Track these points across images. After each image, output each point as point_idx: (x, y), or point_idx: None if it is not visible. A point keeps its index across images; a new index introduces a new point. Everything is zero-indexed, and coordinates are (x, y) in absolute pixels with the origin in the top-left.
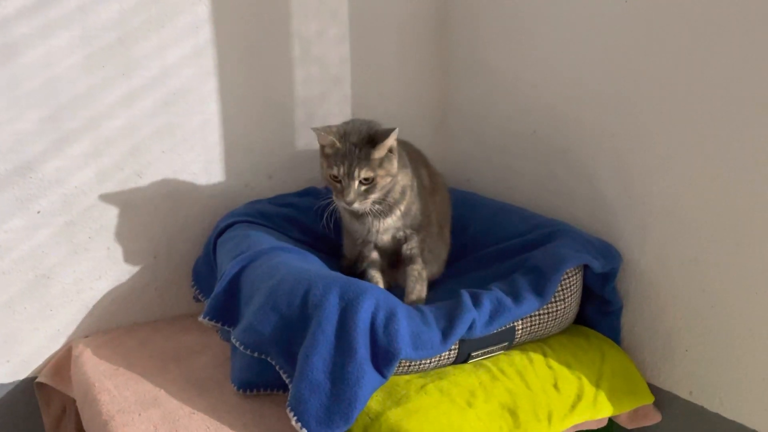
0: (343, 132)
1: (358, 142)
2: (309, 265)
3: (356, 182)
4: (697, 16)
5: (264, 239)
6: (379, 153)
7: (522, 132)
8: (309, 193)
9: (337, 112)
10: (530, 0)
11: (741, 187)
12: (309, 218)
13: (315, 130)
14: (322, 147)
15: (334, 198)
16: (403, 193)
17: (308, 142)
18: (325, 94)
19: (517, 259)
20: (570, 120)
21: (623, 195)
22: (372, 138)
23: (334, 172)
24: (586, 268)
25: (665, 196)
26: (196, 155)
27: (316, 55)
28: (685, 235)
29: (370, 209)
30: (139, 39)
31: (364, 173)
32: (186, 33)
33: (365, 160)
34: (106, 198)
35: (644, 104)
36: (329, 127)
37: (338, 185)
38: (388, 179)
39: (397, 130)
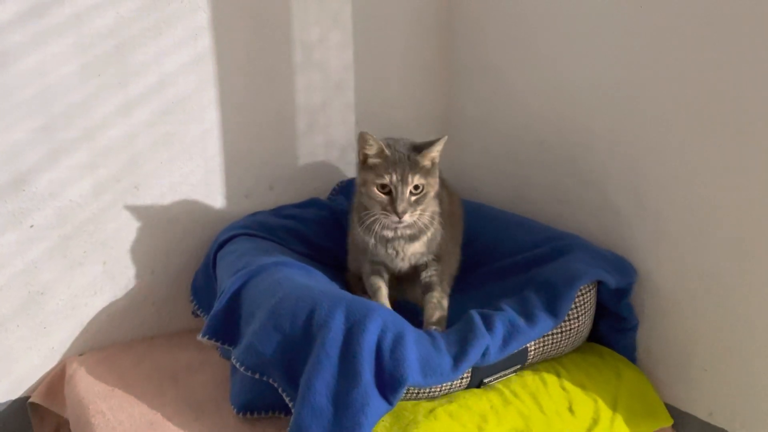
0: (386, 143)
1: (406, 150)
2: (313, 281)
3: (408, 189)
4: (716, 18)
5: (265, 253)
6: (426, 160)
7: (530, 140)
8: (312, 204)
9: (340, 119)
10: (537, 4)
11: (763, 197)
12: (312, 230)
13: (365, 134)
14: (365, 158)
15: (378, 214)
16: (432, 219)
17: (310, 151)
18: (328, 101)
19: (527, 274)
20: (580, 128)
21: (636, 205)
22: (418, 147)
23: (386, 180)
24: (599, 283)
25: (681, 206)
26: (196, 166)
27: (318, 62)
28: (704, 247)
29: (401, 233)
30: (137, 47)
31: (417, 179)
32: (185, 40)
33: (417, 166)
34: (102, 211)
35: (659, 111)
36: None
37: (386, 197)
38: (433, 192)
39: (446, 138)
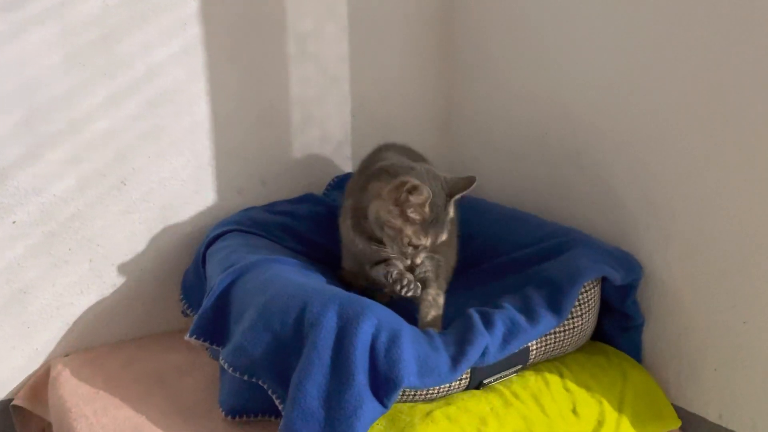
0: (429, 195)
1: (442, 202)
2: (305, 278)
3: (431, 245)
4: (732, 8)
5: (257, 250)
6: (452, 209)
7: (533, 134)
8: (306, 199)
9: (335, 113)
10: None
11: None
12: (306, 226)
13: (422, 187)
14: (403, 204)
15: (389, 251)
16: None
17: (305, 145)
18: (323, 94)
19: (529, 270)
20: (584, 121)
21: (643, 201)
22: (452, 191)
23: (422, 243)
24: (604, 280)
25: (690, 201)
26: (185, 160)
27: (313, 53)
28: (714, 244)
29: None
30: (123, 36)
31: (443, 237)
32: (173, 30)
33: (445, 223)
34: (88, 207)
35: (667, 103)
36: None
37: (411, 250)
38: None
39: (476, 182)
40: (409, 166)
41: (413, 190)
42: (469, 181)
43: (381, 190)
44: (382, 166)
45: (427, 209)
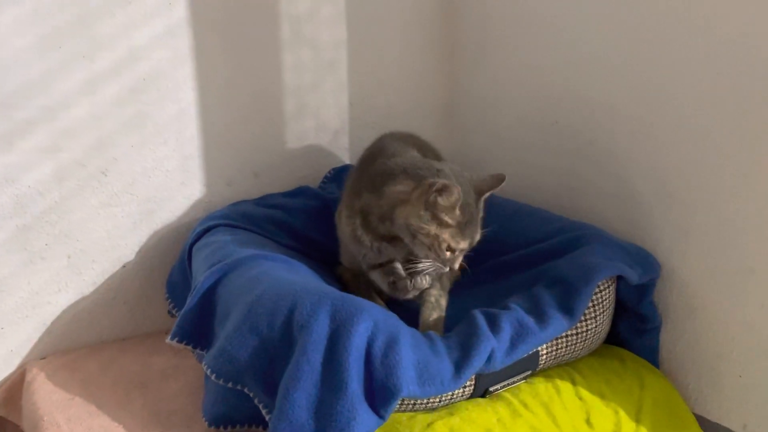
0: (460, 194)
1: (473, 201)
2: (296, 276)
3: (469, 248)
4: None
5: (245, 246)
6: (482, 209)
7: (542, 122)
8: (301, 192)
9: (332, 102)
10: None
11: None
12: (300, 221)
13: (452, 187)
14: (434, 207)
15: (422, 260)
16: None
17: (300, 135)
18: (318, 81)
19: (538, 268)
20: (598, 108)
21: (661, 193)
22: (481, 190)
23: (462, 246)
24: (619, 279)
25: (712, 194)
26: (171, 150)
27: (308, 37)
28: (738, 239)
29: None
30: (103, 16)
31: (479, 236)
32: (157, 9)
33: (478, 223)
34: (66, 199)
35: (688, 87)
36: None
37: (449, 254)
38: None
39: (505, 180)
40: (433, 166)
41: (442, 190)
42: (498, 179)
43: (406, 195)
44: (400, 166)
45: (458, 211)
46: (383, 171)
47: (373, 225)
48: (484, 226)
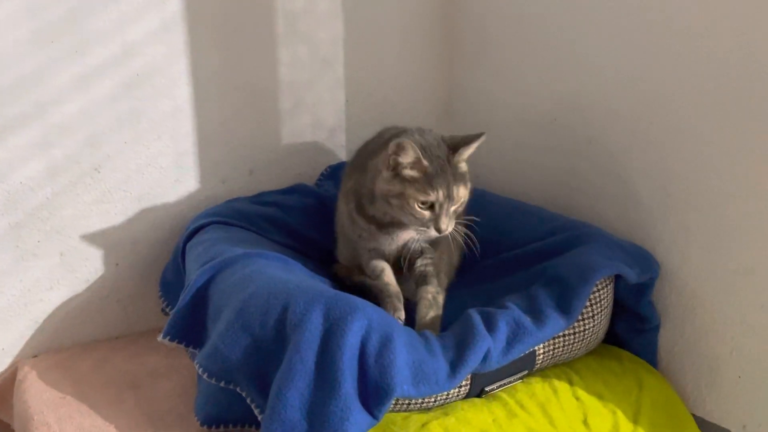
0: (420, 145)
1: (443, 154)
2: (290, 274)
3: (454, 205)
4: None
5: (239, 243)
6: (465, 163)
7: (540, 120)
8: (296, 190)
9: (329, 98)
10: None
11: None
12: (296, 219)
13: (405, 143)
14: (396, 167)
15: (414, 228)
16: None
17: (295, 132)
18: (314, 77)
19: (536, 267)
20: (597, 106)
21: (660, 192)
22: (454, 146)
23: (431, 198)
24: (617, 278)
25: (713, 193)
26: (165, 146)
27: (304, 33)
28: (739, 239)
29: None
30: (96, 10)
31: (462, 192)
32: (151, 4)
33: (459, 175)
34: (59, 195)
35: (688, 87)
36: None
37: (428, 213)
38: (468, 196)
39: (484, 137)
40: (402, 131)
41: (398, 149)
42: (476, 135)
43: (381, 166)
44: (383, 142)
45: (425, 162)
46: (371, 150)
47: (366, 207)
48: (481, 226)
